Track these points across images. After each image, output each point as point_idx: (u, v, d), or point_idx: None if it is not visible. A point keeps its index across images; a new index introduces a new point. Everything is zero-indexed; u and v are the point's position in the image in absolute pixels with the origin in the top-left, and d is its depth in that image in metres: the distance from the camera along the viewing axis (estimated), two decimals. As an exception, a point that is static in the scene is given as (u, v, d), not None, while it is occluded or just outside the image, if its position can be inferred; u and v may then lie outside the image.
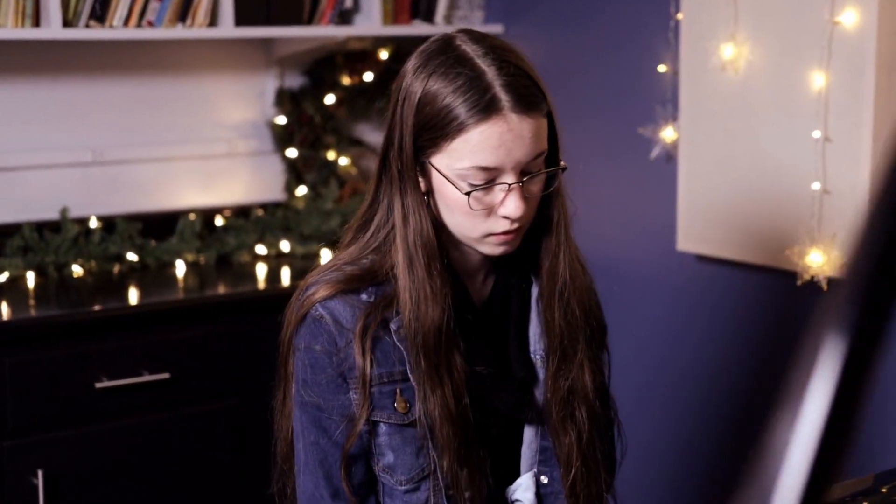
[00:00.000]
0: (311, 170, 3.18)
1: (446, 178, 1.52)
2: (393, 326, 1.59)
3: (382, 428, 1.58)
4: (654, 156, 2.76)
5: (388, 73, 3.24)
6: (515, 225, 1.55)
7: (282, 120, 3.19)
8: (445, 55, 1.51)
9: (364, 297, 1.60)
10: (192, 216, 3.01)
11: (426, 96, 1.50)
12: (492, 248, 1.58)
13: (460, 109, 1.48)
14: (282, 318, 1.65)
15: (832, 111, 2.30)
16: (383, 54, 3.26)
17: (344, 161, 3.22)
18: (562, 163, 1.58)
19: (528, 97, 1.50)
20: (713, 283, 2.58)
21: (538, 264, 1.65)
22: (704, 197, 2.56)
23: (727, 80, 2.49)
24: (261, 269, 2.95)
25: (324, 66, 3.25)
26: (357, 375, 1.57)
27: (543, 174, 1.55)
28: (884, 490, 1.55)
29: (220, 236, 3.05)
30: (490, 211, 1.53)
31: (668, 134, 2.72)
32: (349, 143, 3.29)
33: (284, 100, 3.19)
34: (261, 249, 3.02)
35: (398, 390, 1.59)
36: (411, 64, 1.54)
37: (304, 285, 1.63)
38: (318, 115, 3.21)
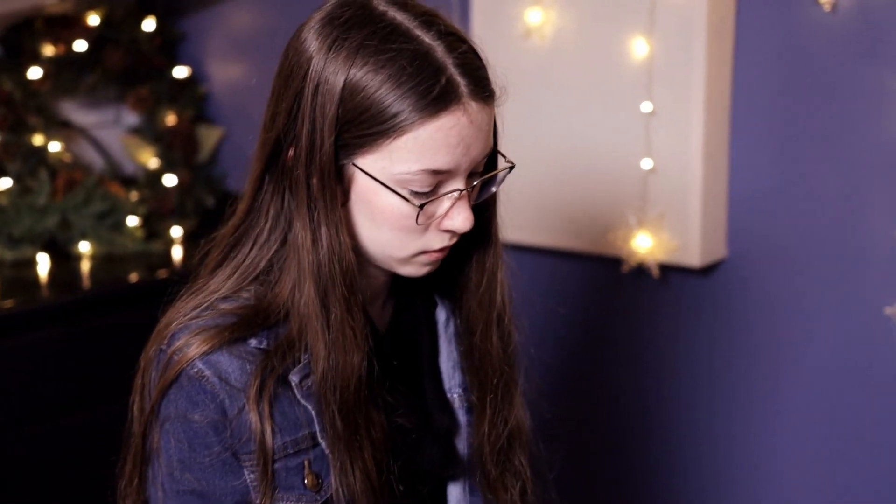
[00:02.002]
0: (15, 158, 2.64)
1: (383, 186, 1.17)
2: (294, 379, 1.22)
3: (287, 515, 1.22)
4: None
5: (101, 41, 2.76)
6: (454, 240, 1.23)
7: (-28, 99, 2.62)
8: (370, 26, 1.15)
9: (254, 344, 1.22)
10: None
11: (354, 83, 1.14)
12: (416, 269, 1.25)
13: (408, 99, 1.13)
14: (142, 370, 1.25)
15: (658, 82, 2.11)
16: (93, 19, 2.76)
17: (55, 147, 2.71)
18: (506, 159, 1.27)
19: (484, 80, 1.18)
20: (532, 274, 2.34)
21: (455, 282, 1.33)
22: (514, 180, 2.30)
23: (533, 49, 2.24)
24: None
25: (21, 33, 2.71)
26: (254, 450, 1.20)
27: (495, 175, 1.24)
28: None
29: None
30: (429, 224, 1.21)
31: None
32: (58, 125, 2.77)
33: (-26, 75, 2.64)
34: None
35: (307, 462, 1.23)
36: (315, 37, 1.17)
37: (167, 333, 1.22)
38: (19, 91, 2.67)
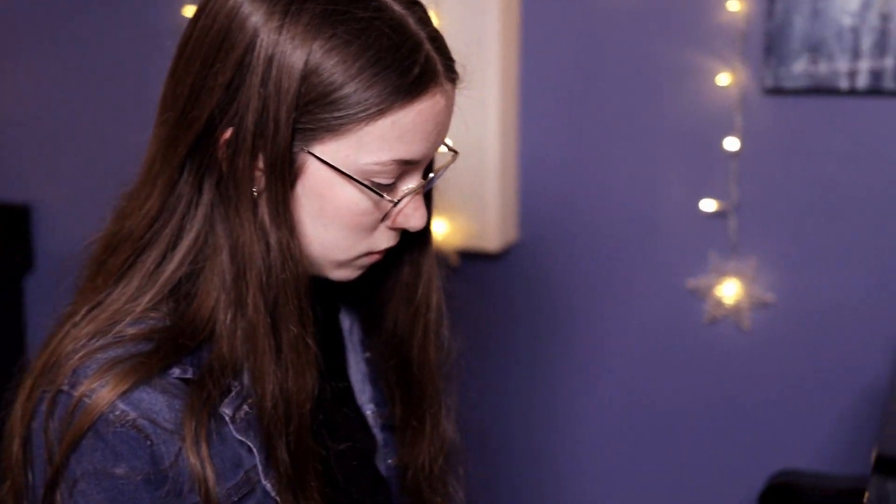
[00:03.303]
0: None
1: (344, 178, 0.99)
2: (227, 412, 1.02)
3: (236, 576, 1.02)
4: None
5: None
6: (396, 240, 1.07)
7: None
8: None
9: (177, 373, 1.01)
10: None
11: (320, 57, 0.95)
12: (351, 273, 1.09)
13: (386, 78, 0.96)
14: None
15: (448, 61, 2.01)
16: None
17: None
18: (449, 148, 1.12)
19: (452, 58, 1.03)
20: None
21: (372, 287, 1.17)
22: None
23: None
24: None
25: None
26: (198, 502, 0.98)
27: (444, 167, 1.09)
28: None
29: None
30: (380, 223, 1.04)
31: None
32: None
33: None
34: None
35: None
36: (262, 3, 0.96)
37: (64, 370, 0.98)
38: None
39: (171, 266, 1.01)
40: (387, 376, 1.18)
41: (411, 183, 1.04)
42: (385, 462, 1.20)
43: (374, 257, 1.07)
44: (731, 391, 2.01)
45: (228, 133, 0.98)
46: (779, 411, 1.98)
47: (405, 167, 1.02)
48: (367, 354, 1.21)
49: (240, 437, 1.02)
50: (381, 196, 1.01)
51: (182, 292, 1.02)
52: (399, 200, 1.02)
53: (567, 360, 2.11)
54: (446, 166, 1.10)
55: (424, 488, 1.18)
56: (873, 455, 1.26)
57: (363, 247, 1.05)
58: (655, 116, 1.98)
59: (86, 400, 0.96)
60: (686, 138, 1.97)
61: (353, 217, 1.01)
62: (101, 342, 0.99)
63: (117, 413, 0.96)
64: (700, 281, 2.00)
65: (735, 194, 1.95)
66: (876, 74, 1.86)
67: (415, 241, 1.13)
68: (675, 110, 1.97)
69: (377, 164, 0.98)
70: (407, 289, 1.15)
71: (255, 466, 1.03)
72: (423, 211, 1.05)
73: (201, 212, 1.01)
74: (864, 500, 1.17)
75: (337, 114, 0.96)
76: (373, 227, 1.04)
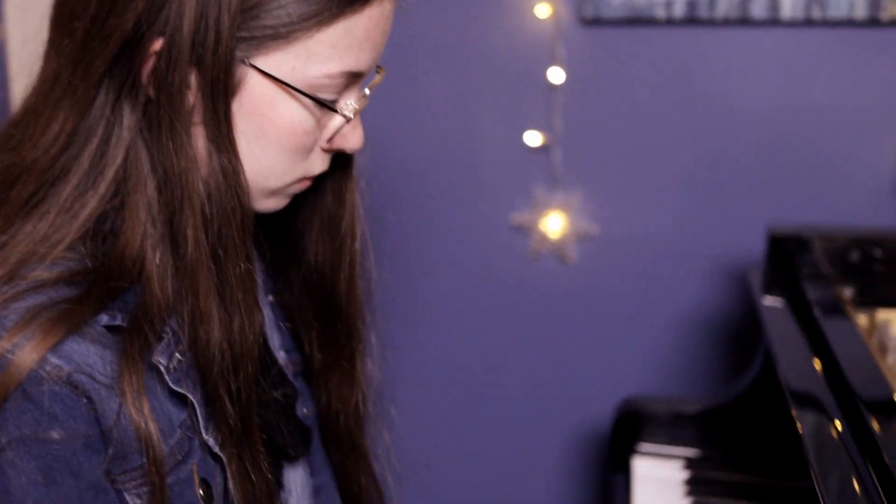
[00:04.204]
0: None
1: (290, 92, 0.89)
2: (161, 361, 0.91)
3: (182, 541, 0.90)
4: None
5: None
6: (328, 165, 0.99)
7: None
8: None
9: (105, 321, 0.88)
10: None
11: None
12: (279, 202, 1.00)
13: None
14: None
15: None
16: None
17: None
18: (378, 68, 1.03)
19: None
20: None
21: (293, 221, 1.07)
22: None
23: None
24: None
25: None
26: (143, 464, 0.87)
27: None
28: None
29: None
30: (315, 144, 0.95)
31: None
32: None
33: None
34: None
35: (194, 467, 0.92)
36: None
37: None
38: None
39: (92, 201, 0.88)
40: (305, 317, 1.09)
41: (351, 99, 0.95)
42: (301, 411, 1.10)
43: (306, 184, 0.99)
44: (559, 325, 2.02)
45: (158, 44, 0.86)
46: (609, 342, 2.00)
47: (351, 80, 0.93)
48: (271, 298, 1.12)
49: (177, 389, 0.91)
50: (335, 111, 0.91)
51: (104, 230, 0.89)
52: (350, 118, 0.93)
53: (391, 298, 2.05)
54: (376, 83, 1.01)
55: (355, 432, 1.10)
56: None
57: (299, 171, 0.96)
58: (475, 50, 1.94)
59: (8, 356, 0.82)
60: (507, 71, 1.94)
61: (294, 138, 0.92)
62: (15, 289, 0.85)
63: (48, 369, 0.83)
64: (524, 216, 1.99)
65: (559, 127, 1.94)
66: (691, 4, 1.89)
67: (336, 169, 1.04)
68: (494, 43, 1.93)
69: (326, 76, 0.89)
70: (330, 219, 1.06)
71: (195, 420, 0.92)
72: (361, 130, 0.97)
73: (125, 137, 0.88)
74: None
75: (286, 19, 0.86)
76: (310, 150, 0.95)
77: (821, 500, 1.04)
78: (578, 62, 1.92)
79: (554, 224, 1.98)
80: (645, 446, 1.67)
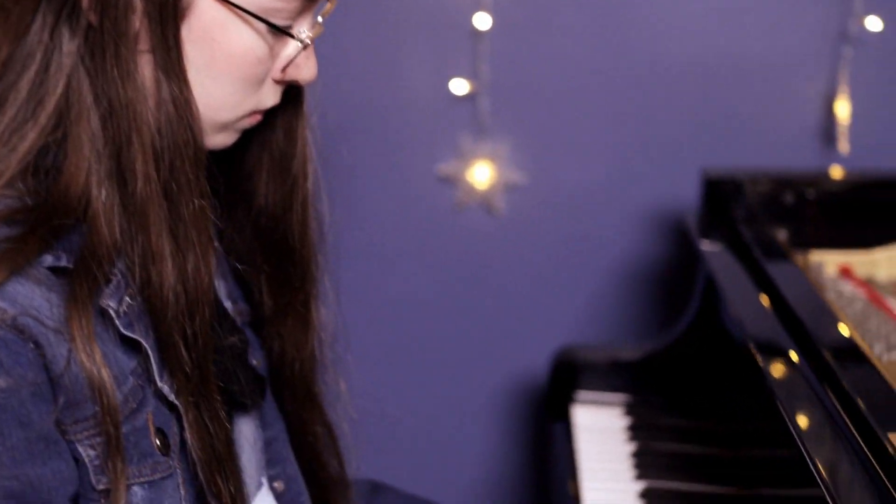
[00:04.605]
0: None
1: (243, 17, 0.84)
2: (111, 305, 0.85)
3: (138, 494, 0.85)
4: None
5: None
6: (279, 98, 0.94)
7: None
8: None
9: (49, 262, 0.83)
10: None
11: None
12: (228, 138, 0.94)
13: None
14: None
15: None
16: None
17: None
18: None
19: None
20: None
21: (240, 160, 1.02)
22: None
23: None
24: None
25: None
26: (96, 413, 0.81)
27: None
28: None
29: None
30: (266, 76, 0.90)
31: None
32: None
33: None
34: None
35: (149, 416, 0.86)
36: None
37: None
38: None
39: (31, 133, 0.82)
40: (254, 262, 1.03)
41: (305, 26, 0.90)
42: (251, 362, 1.05)
43: (257, 118, 0.94)
44: (489, 277, 1.98)
45: None
46: (542, 293, 1.98)
47: (306, 5, 0.88)
48: (216, 244, 1.06)
49: (128, 334, 0.85)
50: (291, 35, 0.86)
51: (46, 165, 0.83)
52: (307, 44, 0.88)
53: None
54: (328, 11, 0.96)
55: (311, 380, 1.05)
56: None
57: (250, 104, 0.91)
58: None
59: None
60: (431, 17, 1.89)
61: (246, 66, 0.86)
62: None
63: (-11, 313, 0.76)
64: (450, 166, 1.95)
65: (485, 74, 1.91)
66: (618, -52, 1.87)
67: (287, 104, 0.99)
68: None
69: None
70: (281, 157, 1.00)
71: (148, 367, 0.86)
72: (314, 60, 0.92)
73: (66, 64, 0.82)
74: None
75: None
76: (262, 81, 0.90)
77: (790, 428, 1.03)
78: (505, 7, 1.88)
79: (481, 174, 1.94)
80: (584, 394, 1.65)
